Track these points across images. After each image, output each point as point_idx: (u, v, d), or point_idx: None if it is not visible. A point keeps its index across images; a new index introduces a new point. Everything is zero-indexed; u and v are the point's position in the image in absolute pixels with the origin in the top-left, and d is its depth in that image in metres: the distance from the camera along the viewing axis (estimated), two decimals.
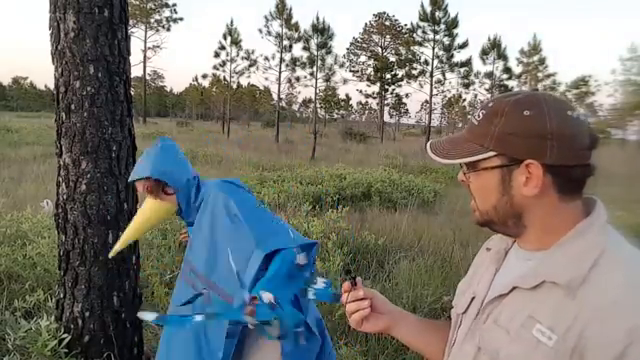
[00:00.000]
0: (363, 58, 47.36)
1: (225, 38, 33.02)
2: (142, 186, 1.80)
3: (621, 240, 0.79)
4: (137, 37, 41.06)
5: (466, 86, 30.99)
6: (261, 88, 61.09)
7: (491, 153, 0.80)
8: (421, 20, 28.85)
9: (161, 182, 1.78)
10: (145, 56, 42.69)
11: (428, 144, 0.90)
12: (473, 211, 0.89)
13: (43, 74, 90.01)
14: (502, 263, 0.92)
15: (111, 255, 1.94)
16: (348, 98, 69.91)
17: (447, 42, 28.92)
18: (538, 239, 0.83)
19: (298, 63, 28.10)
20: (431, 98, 31.31)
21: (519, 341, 0.76)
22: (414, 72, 32.25)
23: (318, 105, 38.16)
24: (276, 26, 28.69)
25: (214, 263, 1.67)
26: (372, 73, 41.55)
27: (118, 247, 1.88)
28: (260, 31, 28.74)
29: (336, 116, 65.80)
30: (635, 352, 0.66)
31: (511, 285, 0.82)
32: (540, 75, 33.34)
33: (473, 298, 0.93)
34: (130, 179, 1.82)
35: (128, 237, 1.86)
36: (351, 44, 48.22)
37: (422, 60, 30.55)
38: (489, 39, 31.18)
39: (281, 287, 1.40)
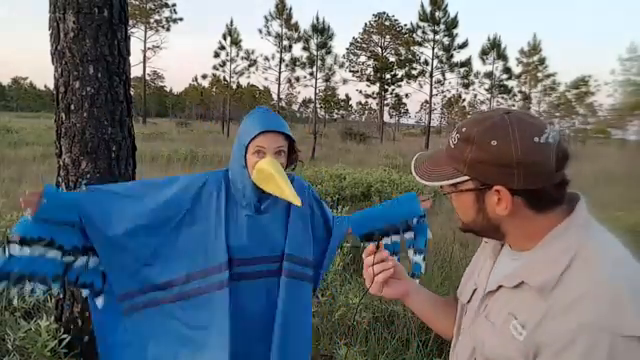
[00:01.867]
0: (363, 58, 47.39)
1: (225, 38, 33.05)
2: (283, 144, 1.62)
3: (599, 236, 0.82)
4: (137, 37, 41.09)
5: (466, 86, 31.01)
6: (261, 88, 61.12)
7: (465, 177, 0.86)
8: (421, 20, 28.87)
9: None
10: (145, 56, 42.71)
11: (413, 162, 0.98)
12: (458, 219, 0.97)
13: (43, 74, 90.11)
14: (498, 256, 0.98)
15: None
16: (348, 98, 70.02)
17: (447, 42, 28.95)
18: (520, 242, 0.89)
19: (298, 63, 28.08)
20: (431, 98, 31.31)
21: (500, 335, 0.84)
22: (414, 72, 32.27)
23: (318, 105, 38.15)
24: (276, 26, 28.69)
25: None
26: (372, 73, 41.54)
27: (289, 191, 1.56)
28: (260, 31, 28.74)
29: (336, 116, 65.81)
30: (583, 342, 0.70)
31: (497, 283, 0.89)
32: (540, 75, 33.36)
33: (475, 289, 1.00)
34: (278, 129, 1.59)
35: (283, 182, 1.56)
36: (351, 44, 48.24)
37: (422, 60, 30.60)
38: (489, 39, 31.22)
39: None
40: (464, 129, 0.86)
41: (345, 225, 1.92)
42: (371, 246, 1.07)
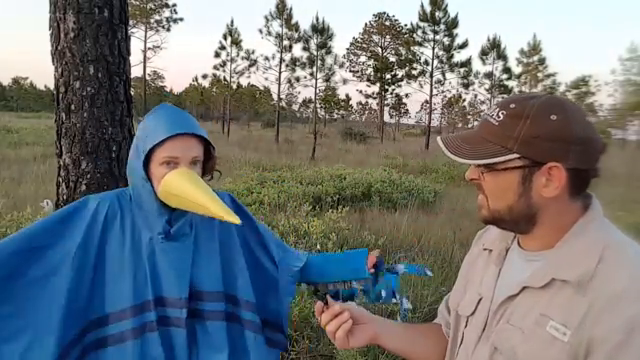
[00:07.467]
0: (363, 58, 47.44)
1: (225, 38, 33.04)
2: (199, 153, 1.25)
3: (619, 233, 0.82)
4: (137, 37, 41.05)
5: (466, 86, 31.00)
6: (261, 88, 61.07)
7: (514, 155, 0.79)
8: (421, 20, 28.87)
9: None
10: (145, 56, 42.69)
11: (440, 141, 0.87)
12: (480, 208, 0.88)
13: (43, 74, 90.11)
14: (504, 263, 0.92)
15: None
16: (348, 98, 69.97)
17: (447, 42, 28.96)
18: (543, 237, 0.84)
19: (298, 63, 28.11)
20: (431, 98, 31.31)
21: (534, 338, 0.78)
22: (414, 72, 32.27)
23: (318, 105, 38.15)
24: (276, 26, 28.69)
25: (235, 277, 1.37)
26: (372, 73, 41.55)
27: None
28: (260, 31, 28.75)
29: (336, 116, 65.86)
30: (637, 339, 0.68)
31: (521, 285, 0.83)
32: (540, 75, 33.36)
33: (480, 299, 0.93)
34: (193, 131, 1.22)
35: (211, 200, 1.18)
36: (351, 44, 48.29)
37: (422, 60, 30.59)
38: (488, 39, 31.22)
39: None
40: (513, 105, 0.81)
41: (300, 259, 1.51)
42: (318, 305, 0.98)
